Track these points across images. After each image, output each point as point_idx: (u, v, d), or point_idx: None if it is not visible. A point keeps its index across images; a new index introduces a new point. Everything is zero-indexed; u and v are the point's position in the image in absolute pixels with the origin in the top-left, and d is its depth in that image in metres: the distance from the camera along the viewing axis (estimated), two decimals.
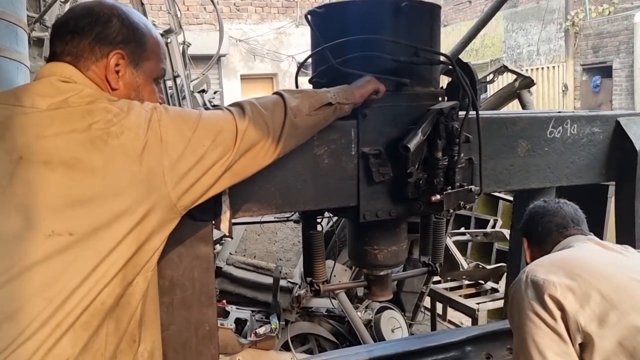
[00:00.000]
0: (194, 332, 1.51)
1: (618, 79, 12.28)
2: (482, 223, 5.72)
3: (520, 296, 1.66)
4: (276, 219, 3.85)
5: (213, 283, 1.53)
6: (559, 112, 2.27)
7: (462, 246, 5.47)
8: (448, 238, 4.52)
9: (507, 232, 4.52)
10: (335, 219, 4.08)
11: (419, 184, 1.77)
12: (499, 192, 5.10)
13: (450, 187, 1.76)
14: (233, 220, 3.81)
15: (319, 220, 2.12)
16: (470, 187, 1.80)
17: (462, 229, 5.58)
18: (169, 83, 4.53)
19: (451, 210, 1.78)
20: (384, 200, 1.82)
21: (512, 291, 1.73)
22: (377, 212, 1.82)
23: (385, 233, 2.04)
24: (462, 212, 6.06)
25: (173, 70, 4.51)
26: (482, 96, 5.00)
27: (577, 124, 2.16)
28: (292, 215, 3.63)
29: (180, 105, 4.58)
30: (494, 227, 5.35)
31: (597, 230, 4.36)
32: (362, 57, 1.76)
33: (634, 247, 2.20)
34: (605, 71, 12.64)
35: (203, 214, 1.46)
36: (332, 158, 1.72)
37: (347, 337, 4.08)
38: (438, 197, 1.73)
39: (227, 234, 1.49)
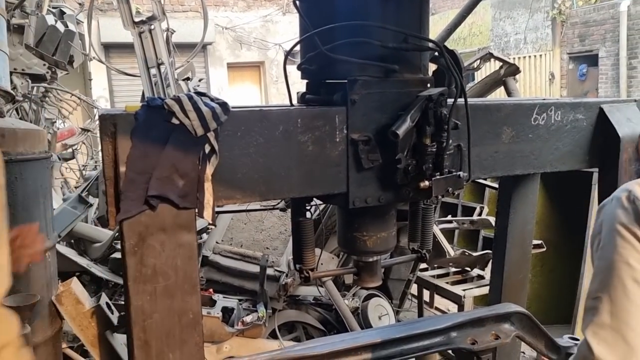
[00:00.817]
0: (177, 320, 1.49)
1: (604, 67, 12.38)
2: (468, 211, 5.75)
3: (614, 214, 1.41)
4: (262, 207, 3.84)
5: (197, 271, 1.51)
6: (543, 99, 2.27)
7: (448, 234, 5.51)
8: (435, 226, 4.53)
9: (493, 220, 4.54)
10: (322, 207, 4.08)
11: (408, 170, 1.76)
12: (485, 180, 5.12)
13: (439, 173, 1.76)
14: (218, 209, 3.81)
15: (308, 208, 2.11)
16: (458, 173, 1.80)
17: (449, 217, 5.60)
18: (153, 71, 4.47)
19: (440, 197, 1.78)
20: (373, 187, 1.81)
21: (604, 209, 1.48)
22: (366, 198, 1.81)
23: (374, 219, 2.03)
24: (449, 200, 6.10)
25: (157, 58, 4.45)
26: (469, 85, 5.00)
27: (561, 111, 2.17)
28: (279, 203, 3.62)
29: (164, 94, 4.52)
30: (480, 214, 5.38)
31: (582, 217, 4.43)
32: (351, 43, 1.74)
33: None
34: (592, 60, 12.73)
35: (185, 202, 1.44)
36: (317, 145, 1.70)
37: (334, 324, 4.10)
38: (427, 183, 1.73)
39: (211, 222, 1.48)
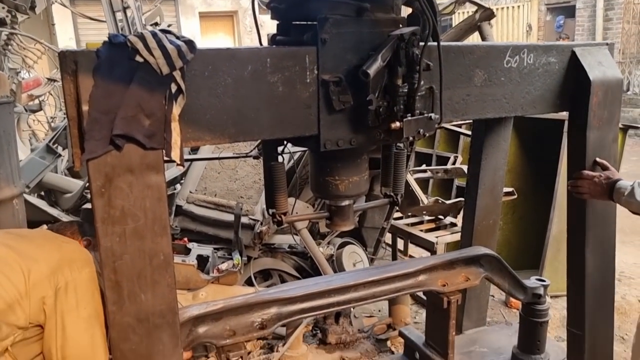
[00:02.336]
0: (148, 261, 1.49)
1: (581, 19, 12.38)
2: (443, 160, 5.79)
3: None
4: (235, 155, 3.80)
5: (166, 213, 1.49)
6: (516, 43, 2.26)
7: (423, 184, 5.56)
8: (409, 175, 4.57)
9: (466, 168, 4.60)
10: (296, 156, 4.06)
11: (379, 112, 1.75)
12: (460, 128, 5.13)
13: (410, 115, 1.75)
14: (190, 157, 3.74)
15: (280, 152, 2.10)
16: (430, 114, 1.80)
17: (424, 166, 5.64)
18: (119, 15, 4.29)
19: (410, 138, 1.78)
20: (345, 129, 1.80)
21: None
22: (337, 141, 1.80)
23: (346, 163, 2.04)
24: (424, 149, 6.12)
25: (122, 2, 4.27)
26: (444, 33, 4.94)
27: (534, 54, 2.16)
28: (252, 151, 3.59)
29: None
30: (454, 163, 5.43)
31: (553, 165, 4.50)
32: None
33: None
34: (569, 11, 12.70)
35: (152, 142, 1.41)
36: (287, 86, 1.67)
37: (309, 272, 4.16)
38: (398, 124, 1.73)
39: (178, 162, 1.45)
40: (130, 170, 1.42)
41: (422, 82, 1.76)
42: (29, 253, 1.61)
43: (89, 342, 1.60)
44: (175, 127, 1.44)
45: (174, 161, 1.46)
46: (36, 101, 6.74)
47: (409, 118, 1.73)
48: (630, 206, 2.15)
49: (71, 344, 1.58)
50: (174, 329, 1.58)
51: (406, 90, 1.74)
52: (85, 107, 1.36)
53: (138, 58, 1.41)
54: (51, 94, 7.36)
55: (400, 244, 4.89)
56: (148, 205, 1.46)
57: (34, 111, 6.81)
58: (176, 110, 1.45)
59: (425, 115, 1.78)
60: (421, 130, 1.78)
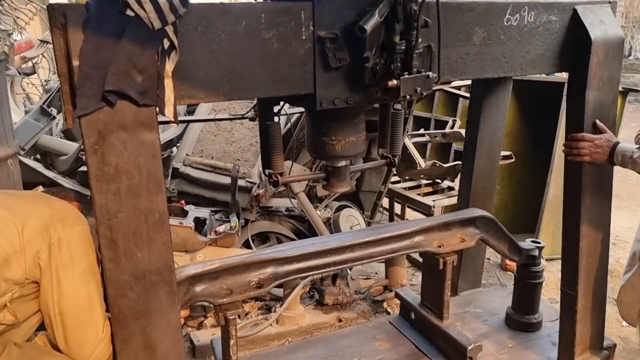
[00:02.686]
0: (143, 219, 1.49)
1: None
2: (441, 124, 5.76)
3: None
4: (231, 116, 3.77)
5: (160, 170, 1.48)
6: None
7: (421, 148, 5.54)
8: (407, 139, 4.55)
9: (464, 132, 4.58)
10: (293, 119, 4.03)
11: (376, 70, 1.73)
12: (459, 90, 5.08)
13: (407, 73, 1.73)
14: (186, 118, 3.70)
15: (275, 111, 2.08)
16: (427, 73, 1.77)
17: (422, 130, 5.62)
18: None
19: (408, 97, 1.75)
20: (341, 88, 1.78)
21: None
22: (333, 99, 1.78)
23: (342, 123, 2.02)
24: (422, 113, 6.08)
25: None
26: None
27: (535, 12, 2.12)
28: (248, 112, 3.55)
29: None
30: (452, 127, 5.40)
31: (551, 129, 4.47)
32: None
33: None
34: None
35: (145, 98, 1.39)
36: (282, 43, 1.64)
37: (307, 235, 4.18)
38: (395, 82, 1.70)
39: (172, 119, 1.44)
40: (124, 127, 1.40)
41: (419, 40, 1.73)
42: (21, 209, 1.61)
43: (85, 297, 1.61)
44: (168, 83, 1.42)
45: (168, 119, 1.44)
46: (29, 64, 6.63)
47: (406, 76, 1.71)
48: (636, 167, 2.17)
49: (67, 298, 1.59)
50: (170, 287, 1.59)
51: (404, 47, 1.71)
52: (75, 62, 1.33)
53: (129, 12, 1.37)
54: (44, 57, 7.24)
55: (397, 208, 4.92)
56: (142, 162, 1.45)
57: (27, 74, 6.71)
58: (169, 66, 1.43)
59: (423, 73, 1.76)
60: (418, 89, 1.75)
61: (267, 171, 2.18)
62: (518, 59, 2.14)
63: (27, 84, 7.10)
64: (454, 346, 2.60)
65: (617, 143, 2.22)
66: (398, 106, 2.32)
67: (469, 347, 2.50)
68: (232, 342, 2.20)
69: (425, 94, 1.81)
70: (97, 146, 1.39)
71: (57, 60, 1.38)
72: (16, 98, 6.11)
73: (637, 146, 2.19)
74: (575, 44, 2.21)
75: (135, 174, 1.45)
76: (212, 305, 3.39)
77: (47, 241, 1.58)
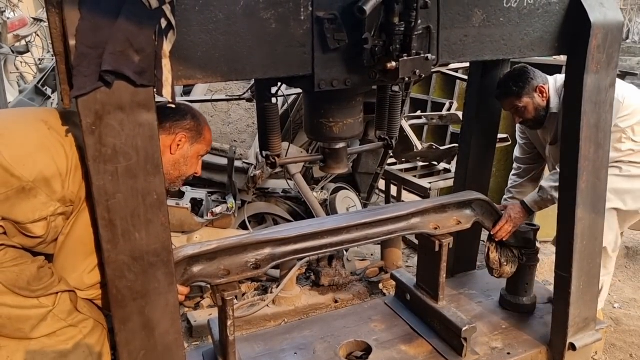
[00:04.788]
0: (141, 200, 1.49)
1: None
2: (438, 107, 5.75)
3: None
4: (228, 97, 3.75)
5: (158, 151, 1.48)
6: None
7: (418, 130, 5.54)
8: (404, 121, 4.54)
9: (461, 114, 4.58)
10: (290, 100, 4.01)
11: (375, 51, 1.71)
12: (456, 72, 5.06)
13: (406, 55, 1.72)
14: (183, 99, 3.68)
15: (273, 92, 2.06)
16: (427, 55, 1.76)
17: (419, 113, 5.61)
18: None
19: (406, 79, 1.75)
20: (340, 69, 1.77)
21: None
22: (332, 81, 1.77)
23: (340, 105, 2.01)
24: (419, 95, 6.07)
25: None
26: None
27: None
28: (245, 93, 3.53)
29: None
30: (449, 110, 5.39)
31: None
32: None
33: (579, 118, 2.26)
34: None
35: (142, 79, 1.38)
36: (280, 23, 1.62)
37: (303, 216, 4.20)
38: (394, 64, 1.69)
39: (170, 100, 1.43)
40: (121, 108, 1.39)
41: (419, 21, 1.71)
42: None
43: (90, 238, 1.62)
44: (166, 63, 1.40)
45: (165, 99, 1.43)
46: (23, 42, 6.55)
47: (405, 58, 1.70)
48: (548, 203, 2.78)
49: (79, 230, 1.61)
50: (169, 268, 1.60)
51: (403, 29, 1.69)
52: (72, 42, 1.31)
53: None
54: (38, 35, 7.14)
55: (393, 190, 4.93)
56: (140, 143, 1.44)
57: (21, 53, 6.63)
58: (167, 46, 1.41)
59: (422, 55, 1.75)
60: (417, 71, 1.74)
61: (264, 152, 2.17)
62: (517, 42, 2.12)
63: (21, 62, 7.02)
64: (448, 327, 2.63)
65: (522, 201, 2.83)
66: (396, 88, 2.31)
67: (464, 328, 2.52)
68: (229, 322, 2.22)
69: (423, 75, 1.80)
70: (95, 127, 1.38)
71: (53, 39, 1.36)
72: (10, 77, 6.05)
73: (536, 191, 2.80)
74: (574, 26, 2.19)
75: (133, 155, 1.44)
76: (209, 286, 3.42)
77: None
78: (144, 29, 1.37)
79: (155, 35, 1.38)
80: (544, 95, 2.81)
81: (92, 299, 1.71)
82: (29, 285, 1.53)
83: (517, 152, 3.33)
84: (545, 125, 2.92)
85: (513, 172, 3.34)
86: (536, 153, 3.22)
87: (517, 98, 2.80)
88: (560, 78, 2.84)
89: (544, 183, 2.81)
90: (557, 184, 2.62)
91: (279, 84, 2.05)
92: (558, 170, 2.66)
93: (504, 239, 2.81)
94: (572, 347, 2.57)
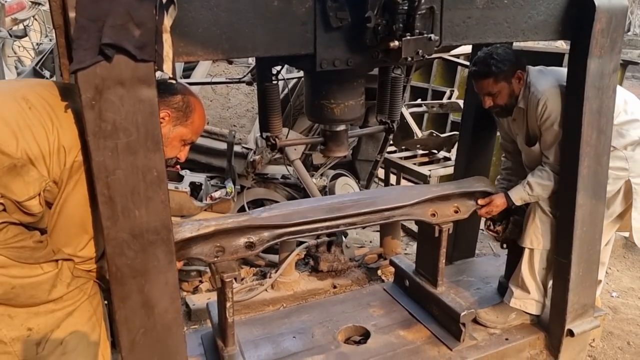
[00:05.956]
0: (141, 177, 1.47)
1: None
2: (439, 95, 5.73)
3: None
4: (228, 80, 3.72)
5: (158, 128, 1.46)
6: None
7: (418, 118, 5.52)
8: (404, 108, 4.52)
9: (462, 103, 4.56)
10: (290, 85, 3.99)
11: (378, 31, 1.70)
12: (458, 58, 5.04)
13: (409, 34, 1.70)
14: (184, 81, 3.65)
15: (274, 73, 2.05)
16: (430, 35, 1.74)
17: (419, 101, 5.59)
18: None
19: (409, 59, 1.73)
20: (342, 49, 1.75)
21: None
22: (334, 60, 1.76)
23: (342, 86, 2.00)
24: (419, 83, 6.05)
25: None
26: None
27: None
28: (245, 76, 3.51)
29: None
30: (450, 98, 5.38)
31: None
32: None
33: (582, 103, 2.25)
34: None
35: (143, 53, 1.36)
36: (282, 1, 1.60)
37: None
38: (396, 43, 1.68)
39: (171, 76, 1.41)
40: (121, 83, 1.38)
41: (422, 0, 1.69)
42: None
43: (83, 217, 1.59)
44: (166, 38, 1.39)
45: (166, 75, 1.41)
46: (20, 26, 6.49)
47: (408, 38, 1.68)
48: (532, 198, 2.60)
49: (70, 208, 1.58)
50: (168, 246, 1.59)
51: (406, 8, 1.67)
52: (72, 14, 1.29)
53: None
54: (36, 19, 7.08)
55: (392, 179, 4.92)
56: (140, 120, 1.43)
57: (18, 37, 6.58)
58: (167, 21, 1.39)
59: (425, 35, 1.73)
60: (420, 51, 1.73)
61: (264, 134, 2.16)
62: (520, 24, 2.10)
63: (19, 47, 6.97)
64: (447, 313, 2.64)
65: (506, 193, 2.67)
66: (398, 71, 2.30)
67: (462, 314, 2.53)
68: (228, 304, 2.22)
69: (425, 56, 1.78)
70: (94, 101, 1.36)
71: (52, 12, 1.34)
72: (7, 61, 6.00)
73: (522, 184, 2.62)
74: (578, 10, 2.18)
75: (133, 131, 1.43)
76: (207, 270, 3.42)
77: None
78: (145, 3, 1.35)
79: (156, 10, 1.36)
80: (521, 82, 2.55)
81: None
82: (33, 251, 1.54)
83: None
84: (514, 117, 2.69)
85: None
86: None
87: (494, 80, 2.50)
88: (531, 69, 2.59)
89: (530, 178, 2.58)
90: (544, 182, 2.51)
91: (280, 63, 2.04)
92: (545, 167, 2.53)
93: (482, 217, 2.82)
94: (570, 333, 2.57)
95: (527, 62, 2.60)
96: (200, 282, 3.52)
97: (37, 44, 7.24)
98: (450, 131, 5.35)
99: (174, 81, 1.44)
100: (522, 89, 2.56)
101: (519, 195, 2.62)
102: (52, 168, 1.50)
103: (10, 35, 6.17)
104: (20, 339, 1.57)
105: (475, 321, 2.72)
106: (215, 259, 2.10)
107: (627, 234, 4.39)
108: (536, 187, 2.55)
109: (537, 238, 2.61)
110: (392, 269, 3.27)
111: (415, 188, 2.64)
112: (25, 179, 1.47)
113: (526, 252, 2.68)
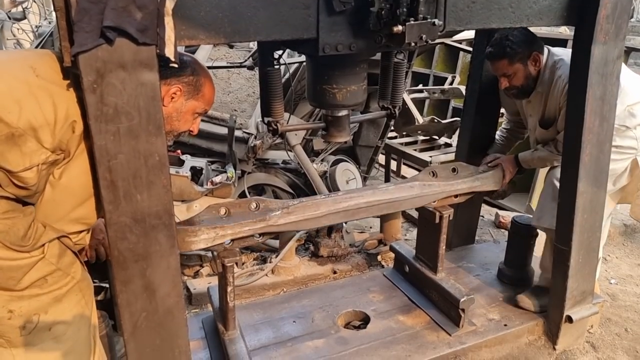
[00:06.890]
0: (143, 161, 1.47)
1: None
2: (440, 81, 5.70)
3: None
4: (229, 64, 3.69)
5: (160, 112, 1.45)
6: None
7: (419, 104, 5.50)
8: (405, 94, 4.50)
9: (464, 89, 4.54)
10: (292, 70, 3.96)
11: (381, 15, 1.68)
12: (460, 44, 5.00)
13: (413, 19, 1.68)
14: None
15: (276, 57, 2.03)
16: (433, 20, 1.73)
17: (420, 86, 5.56)
18: None
19: (412, 44, 1.71)
20: (345, 33, 1.73)
21: None
22: (337, 45, 1.74)
23: (344, 71, 1.99)
24: (421, 69, 6.01)
25: None
26: None
27: None
28: (246, 61, 3.48)
29: None
30: (451, 84, 5.35)
31: None
32: None
33: (585, 89, 2.24)
34: None
35: (144, 36, 1.35)
36: None
37: (303, 188, 4.19)
38: (400, 28, 1.66)
39: (173, 59, 1.40)
40: (123, 66, 1.37)
41: None
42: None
43: (84, 187, 1.56)
44: (168, 21, 1.37)
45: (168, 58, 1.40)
46: (19, 8, 6.43)
47: (412, 22, 1.67)
48: (539, 162, 2.83)
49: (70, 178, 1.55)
50: (170, 230, 1.59)
51: None
52: None
53: None
54: (35, 2, 7.02)
55: (393, 165, 4.92)
56: (142, 103, 1.42)
57: (17, 19, 6.52)
58: (169, 3, 1.38)
59: (429, 20, 1.71)
60: (424, 36, 1.71)
61: (266, 119, 2.15)
62: (525, 9, 2.08)
63: (18, 29, 6.91)
64: (446, 298, 2.65)
65: (515, 156, 2.85)
66: (400, 56, 2.28)
67: (462, 299, 2.54)
68: (229, 289, 2.23)
69: (429, 41, 1.77)
70: (96, 85, 1.35)
71: None
72: (6, 44, 5.96)
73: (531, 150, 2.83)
74: None
75: (135, 115, 1.42)
76: (208, 255, 3.42)
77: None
78: None
79: None
80: (537, 64, 2.60)
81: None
82: (20, 240, 1.51)
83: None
84: (530, 100, 2.74)
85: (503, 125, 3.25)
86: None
87: (509, 62, 2.57)
88: (555, 53, 2.64)
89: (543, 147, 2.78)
90: (553, 157, 2.66)
91: (282, 48, 2.02)
92: (557, 145, 2.64)
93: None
94: (569, 319, 2.59)
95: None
96: (201, 266, 3.53)
97: (36, 26, 7.18)
98: (452, 117, 5.33)
99: (176, 65, 1.43)
100: (541, 71, 2.60)
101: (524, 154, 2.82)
102: (60, 135, 1.46)
103: (9, 18, 6.12)
104: (0, 321, 1.54)
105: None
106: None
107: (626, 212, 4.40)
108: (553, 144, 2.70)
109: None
110: (392, 255, 3.28)
111: (433, 186, 2.58)
112: (22, 149, 1.43)
113: (547, 235, 2.79)
